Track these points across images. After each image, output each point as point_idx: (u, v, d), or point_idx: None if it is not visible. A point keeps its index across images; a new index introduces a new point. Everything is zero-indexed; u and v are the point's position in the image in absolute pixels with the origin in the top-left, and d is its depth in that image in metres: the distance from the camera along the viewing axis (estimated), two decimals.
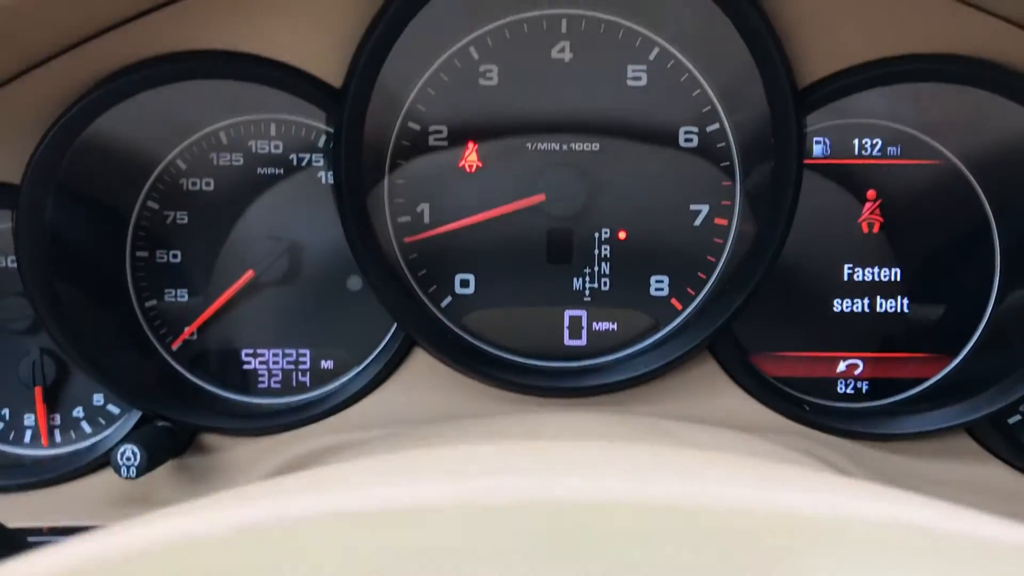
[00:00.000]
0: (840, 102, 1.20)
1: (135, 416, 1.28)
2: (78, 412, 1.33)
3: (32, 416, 1.32)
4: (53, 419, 1.33)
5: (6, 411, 1.33)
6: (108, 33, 1.10)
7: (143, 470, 1.17)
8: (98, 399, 1.33)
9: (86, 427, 1.33)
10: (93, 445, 1.29)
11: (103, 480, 1.26)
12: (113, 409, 1.33)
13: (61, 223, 1.26)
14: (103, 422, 1.33)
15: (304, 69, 1.15)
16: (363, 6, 1.12)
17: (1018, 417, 1.33)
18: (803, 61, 1.14)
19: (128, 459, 1.17)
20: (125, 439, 1.19)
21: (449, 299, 1.34)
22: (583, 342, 1.34)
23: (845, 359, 1.36)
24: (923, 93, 1.26)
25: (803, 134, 1.17)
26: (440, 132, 1.32)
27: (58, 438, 1.33)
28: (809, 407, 1.29)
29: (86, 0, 1.00)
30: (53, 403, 1.33)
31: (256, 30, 1.12)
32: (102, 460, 1.25)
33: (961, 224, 1.35)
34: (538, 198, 1.30)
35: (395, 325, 1.29)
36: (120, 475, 1.17)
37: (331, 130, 1.17)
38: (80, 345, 1.23)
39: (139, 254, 1.35)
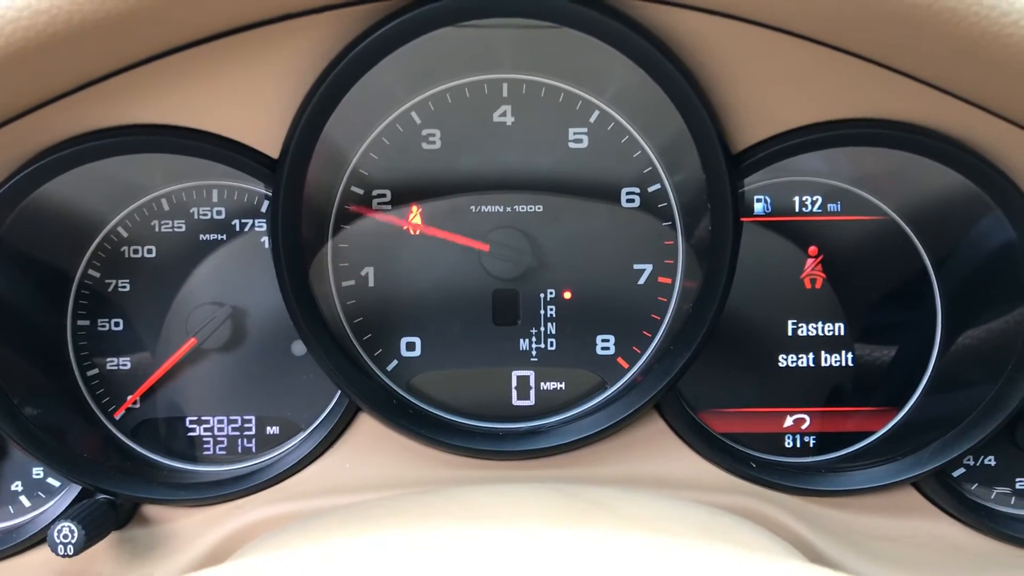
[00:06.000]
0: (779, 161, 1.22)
1: (75, 489, 1.25)
2: (16, 486, 1.30)
3: None
4: None
5: None
6: (52, 104, 1.10)
7: (81, 547, 1.14)
8: (37, 472, 1.30)
9: (25, 501, 1.30)
10: (31, 521, 1.26)
11: (41, 557, 1.23)
12: (53, 482, 1.30)
13: None
14: (43, 496, 1.30)
15: (242, 141, 1.15)
16: (300, 78, 1.12)
17: (962, 470, 1.34)
18: (737, 126, 1.15)
19: (65, 537, 1.14)
20: (62, 515, 1.16)
21: (395, 362, 1.33)
22: (531, 402, 1.34)
23: (792, 414, 1.37)
24: (859, 151, 1.28)
25: (739, 196, 1.18)
26: (384, 196, 1.32)
27: None
28: (756, 464, 1.29)
29: (29, 72, 0.99)
30: None
31: (194, 103, 1.12)
32: (40, 537, 1.22)
33: (902, 277, 1.37)
34: (482, 245, 1.30)
35: (340, 390, 1.28)
36: (57, 554, 1.14)
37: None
38: (13, 417, 1.21)
39: (80, 322, 1.33)
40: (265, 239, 1.33)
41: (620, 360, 1.33)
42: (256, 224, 1.33)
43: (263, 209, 1.33)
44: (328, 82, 1.11)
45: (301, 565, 0.71)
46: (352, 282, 1.32)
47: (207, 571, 0.73)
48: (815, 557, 1.19)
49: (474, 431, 1.29)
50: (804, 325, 1.36)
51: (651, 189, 1.32)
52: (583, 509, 0.91)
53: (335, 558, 0.71)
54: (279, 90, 1.12)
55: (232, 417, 1.34)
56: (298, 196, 1.17)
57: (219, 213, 1.33)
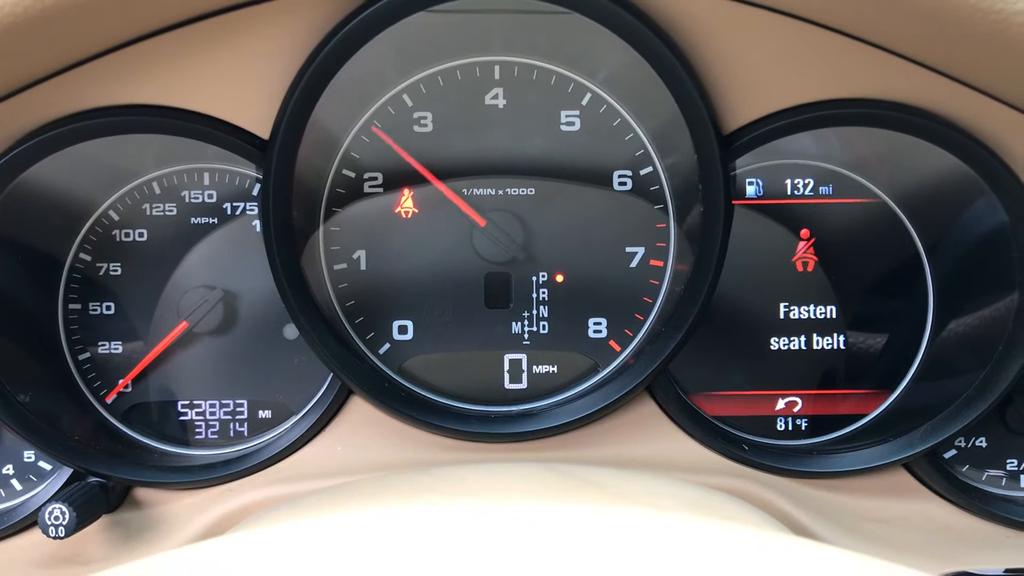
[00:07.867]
0: (771, 143, 1.22)
1: (67, 472, 1.25)
2: (8, 469, 1.30)
3: None
4: None
5: None
6: (39, 85, 1.10)
7: (72, 530, 1.14)
8: (29, 455, 1.30)
9: (16, 484, 1.30)
10: (22, 504, 1.26)
11: (32, 540, 1.23)
12: (45, 465, 1.30)
13: None
14: (34, 479, 1.30)
15: (232, 121, 1.14)
16: (290, 57, 1.12)
17: (953, 452, 1.34)
18: (728, 106, 1.15)
19: (56, 519, 1.14)
20: (54, 498, 1.16)
21: (387, 346, 1.33)
22: (524, 385, 1.34)
23: (784, 397, 1.37)
24: (851, 134, 1.28)
25: (730, 178, 1.18)
26: (375, 179, 1.32)
27: None
28: (748, 446, 1.29)
29: (17, 52, 0.98)
30: None
31: (184, 84, 1.12)
32: (31, 520, 1.21)
33: (894, 261, 1.37)
34: (479, 220, 1.29)
35: (332, 373, 1.28)
36: (48, 535, 1.14)
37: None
38: (5, 401, 1.21)
39: (72, 306, 1.33)
40: (257, 223, 1.32)
41: (612, 343, 1.33)
42: (248, 208, 1.33)
43: (255, 192, 1.33)
44: (318, 61, 1.10)
45: (290, 540, 0.71)
46: (344, 265, 1.31)
47: (197, 544, 0.73)
48: (806, 537, 1.19)
49: (466, 414, 1.29)
50: (796, 308, 1.36)
51: (643, 172, 1.32)
52: (573, 486, 0.91)
53: (324, 533, 0.71)
54: (269, 70, 1.12)
55: (224, 401, 1.34)
56: (289, 177, 1.17)
57: (210, 196, 1.33)
